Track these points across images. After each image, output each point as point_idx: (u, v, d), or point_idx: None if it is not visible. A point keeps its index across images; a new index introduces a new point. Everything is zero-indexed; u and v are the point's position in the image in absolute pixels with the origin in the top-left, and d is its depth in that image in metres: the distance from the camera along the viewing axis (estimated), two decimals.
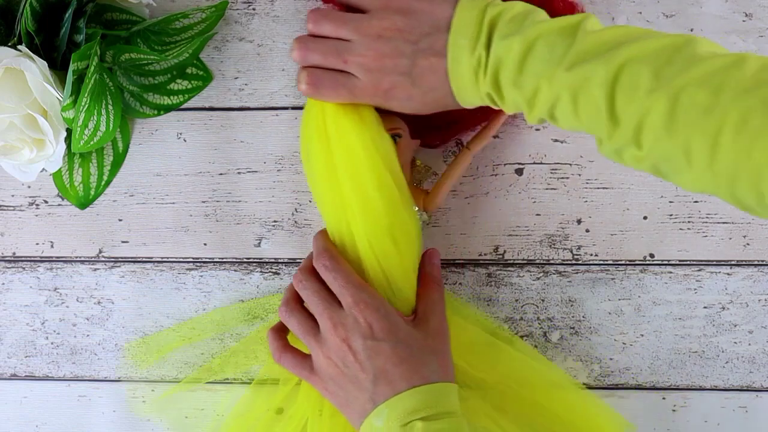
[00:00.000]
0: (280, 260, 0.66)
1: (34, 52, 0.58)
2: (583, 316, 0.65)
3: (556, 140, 0.64)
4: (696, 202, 0.64)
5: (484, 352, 0.63)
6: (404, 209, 0.57)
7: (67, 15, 0.59)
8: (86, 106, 0.59)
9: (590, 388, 0.65)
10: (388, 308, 0.56)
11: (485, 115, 0.62)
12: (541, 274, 0.65)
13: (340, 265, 0.57)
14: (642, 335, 0.65)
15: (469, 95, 0.54)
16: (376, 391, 0.54)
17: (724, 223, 0.64)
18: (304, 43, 0.56)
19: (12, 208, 0.68)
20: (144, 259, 0.67)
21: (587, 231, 0.65)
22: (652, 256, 0.65)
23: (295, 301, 0.60)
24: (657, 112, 0.46)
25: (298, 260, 0.66)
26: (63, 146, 0.62)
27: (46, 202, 0.67)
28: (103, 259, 0.67)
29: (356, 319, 0.55)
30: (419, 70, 0.54)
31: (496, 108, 0.54)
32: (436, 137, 0.63)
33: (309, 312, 0.59)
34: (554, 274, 0.65)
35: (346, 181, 0.56)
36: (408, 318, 0.58)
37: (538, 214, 0.65)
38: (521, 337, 0.65)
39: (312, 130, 0.58)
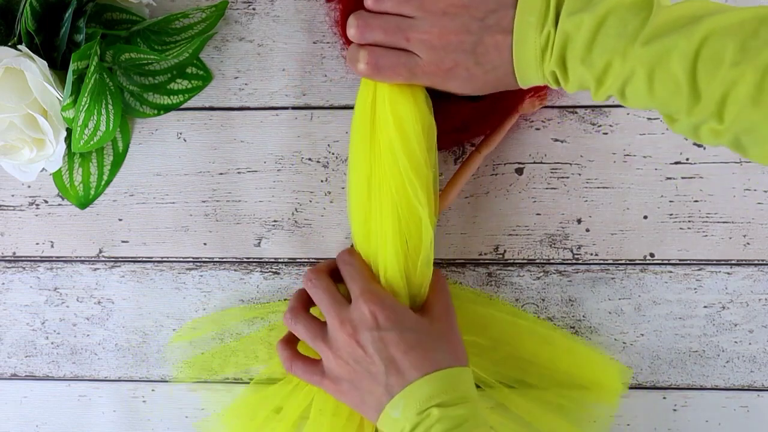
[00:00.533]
0: (280, 260, 0.66)
1: (34, 52, 0.59)
2: (584, 316, 0.65)
3: (556, 140, 0.64)
4: (696, 201, 0.64)
5: (474, 317, 0.63)
6: (433, 204, 0.57)
7: (67, 15, 0.59)
8: (86, 105, 0.59)
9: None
10: (393, 300, 0.57)
11: (494, 122, 0.62)
12: (542, 274, 0.65)
13: (355, 259, 0.59)
14: (642, 335, 0.65)
15: (532, 74, 0.52)
16: (390, 383, 0.54)
17: (724, 222, 0.64)
18: (364, 20, 0.55)
19: (12, 208, 0.68)
20: (144, 259, 0.67)
21: (587, 230, 0.65)
22: (652, 255, 0.65)
23: (300, 307, 0.60)
24: (744, 84, 0.45)
25: (298, 260, 0.66)
26: (63, 146, 0.62)
27: (46, 201, 0.67)
28: (103, 258, 0.67)
29: (362, 311, 0.56)
30: (483, 48, 0.52)
31: (555, 88, 0.53)
32: (443, 142, 0.63)
33: (314, 317, 0.59)
34: (554, 273, 0.65)
35: (387, 163, 0.56)
36: (415, 309, 0.58)
37: (538, 214, 0.65)
38: None
39: (359, 113, 0.57)
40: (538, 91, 0.61)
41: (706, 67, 0.46)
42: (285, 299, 0.66)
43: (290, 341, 0.61)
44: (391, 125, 0.56)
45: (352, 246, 0.61)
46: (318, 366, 0.58)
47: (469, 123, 0.61)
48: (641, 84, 0.48)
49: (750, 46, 0.45)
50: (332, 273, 0.60)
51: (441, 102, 0.58)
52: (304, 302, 0.60)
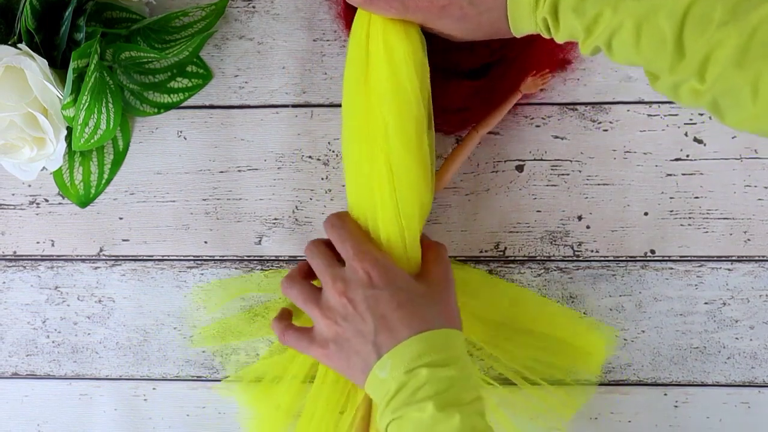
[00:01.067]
0: (280, 257, 0.66)
1: (34, 51, 0.59)
2: (584, 313, 0.65)
3: (556, 137, 0.64)
4: (697, 198, 0.64)
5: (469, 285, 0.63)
6: (428, 140, 0.57)
7: (67, 13, 0.59)
8: (86, 104, 0.59)
9: (592, 384, 0.65)
10: (387, 260, 0.56)
11: (496, 102, 0.62)
12: (542, 271, 0.65)
13: (345, 222, 0.58)
14: (643, 331, 0.65)
15: (524, 20, 0.52)
16: (378, 342, 0.53)
17: (724, 218, 0.64)
18: None
19: (12, 207, 0.68)
20: (145, 258, 0.67)
21: (588, 227, 0.65)
22: (653, 252, 0.65)
23: (297, 274, 0.60)
24: (729, 45, 0.44)
25: (298, 257, 0.66)
26: (63, 145, 0.62)
27: (46, 200, 0.67)
28: (104, 257, 0.67)
29: (355, 270, 0.55)
30: None
31: (546, 37, 0.52)
32: (447, 124, 0.63)
33: (309, 283, 0.59)
34: (555, 270, 0.65)
35: (380, 100, 0.55)
36: (412, 274, 0.57)
37: (538, 211, 0.65)
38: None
39: (352, 46, 0.57)
40: (540, 71, 0.61)
41: (693, 25, 0.45)
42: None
43: (284, 316, 0.61)
44: (382, 57, 0.55)
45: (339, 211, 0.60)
46: (308, 332, 0.57)
47: (470, 103, 0.61)
48: (628, 37, 0.48)
49: (740, 8, 0.45)
50: (330, 246, 0.60)
51: (440, 81, 0.58)
52: (303, 272, 0.60)
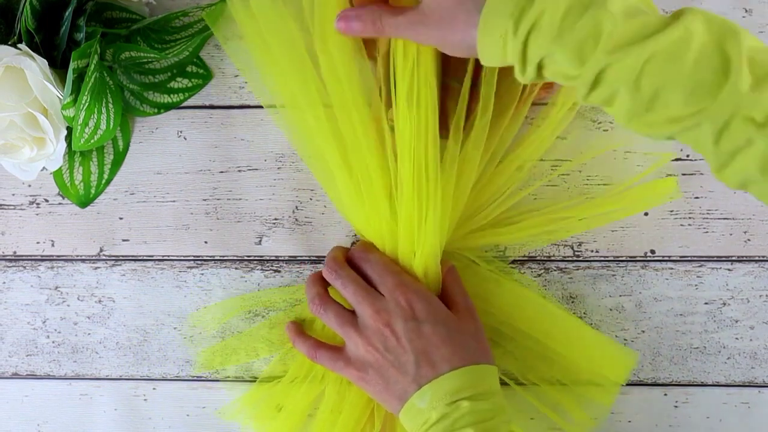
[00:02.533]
0: (280, 258, 0.66)
1: (34, 51, 0.59)
2: (584, 313, 0.65)
3: (556, 137, 0.64)
4: (697, 198, 0.64)
5: (481, 284, 0.63)
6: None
7: (67, 13, 0.59)
8: (86, 104, 0.59)
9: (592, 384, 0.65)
10: (427, 292, 0.58)
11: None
12: (542, 271, 0.65)
13: (378, 254, 0.59)
14: (643, 331, 0.65)
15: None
16: (419, 374, 0.55)
17: (724, 219, 0.64)
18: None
19: (12, 207, 0.68)
20: (145, 258, 0.67)
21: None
22: (653, 252, 0.65)
23: (326, 294, 0.61)
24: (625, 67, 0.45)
25: (298, 257, 0.66)
26: (63, 145, 0.62)
27: (46, 200, 0.67)
28: (104, 257, 0.67)
29: (398, 302, 0.56)
30: None
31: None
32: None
33: (342, 305, 0.60)
34: (555, 270, 0.65)
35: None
36: None
37: (539, 210, 0.65)
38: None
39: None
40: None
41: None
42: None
43: (300, 330, 0.63)
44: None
45: (358, 240, 0.61)
46: (342, 353, 0.59)
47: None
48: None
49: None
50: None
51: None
52: (326, 290, 0.61)
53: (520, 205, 0.64)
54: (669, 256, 0.65)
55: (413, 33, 0.53)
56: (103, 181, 0.66)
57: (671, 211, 0.64)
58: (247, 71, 0.64)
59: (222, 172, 0.66)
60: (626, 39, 0.45)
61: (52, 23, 0.60)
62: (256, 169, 0.66)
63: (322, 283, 0.62)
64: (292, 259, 0.66)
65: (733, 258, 0.64)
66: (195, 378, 0.67)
